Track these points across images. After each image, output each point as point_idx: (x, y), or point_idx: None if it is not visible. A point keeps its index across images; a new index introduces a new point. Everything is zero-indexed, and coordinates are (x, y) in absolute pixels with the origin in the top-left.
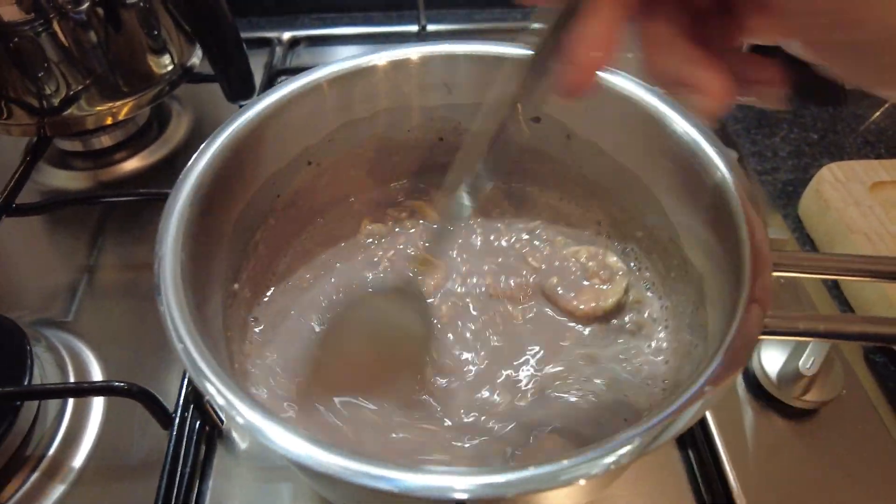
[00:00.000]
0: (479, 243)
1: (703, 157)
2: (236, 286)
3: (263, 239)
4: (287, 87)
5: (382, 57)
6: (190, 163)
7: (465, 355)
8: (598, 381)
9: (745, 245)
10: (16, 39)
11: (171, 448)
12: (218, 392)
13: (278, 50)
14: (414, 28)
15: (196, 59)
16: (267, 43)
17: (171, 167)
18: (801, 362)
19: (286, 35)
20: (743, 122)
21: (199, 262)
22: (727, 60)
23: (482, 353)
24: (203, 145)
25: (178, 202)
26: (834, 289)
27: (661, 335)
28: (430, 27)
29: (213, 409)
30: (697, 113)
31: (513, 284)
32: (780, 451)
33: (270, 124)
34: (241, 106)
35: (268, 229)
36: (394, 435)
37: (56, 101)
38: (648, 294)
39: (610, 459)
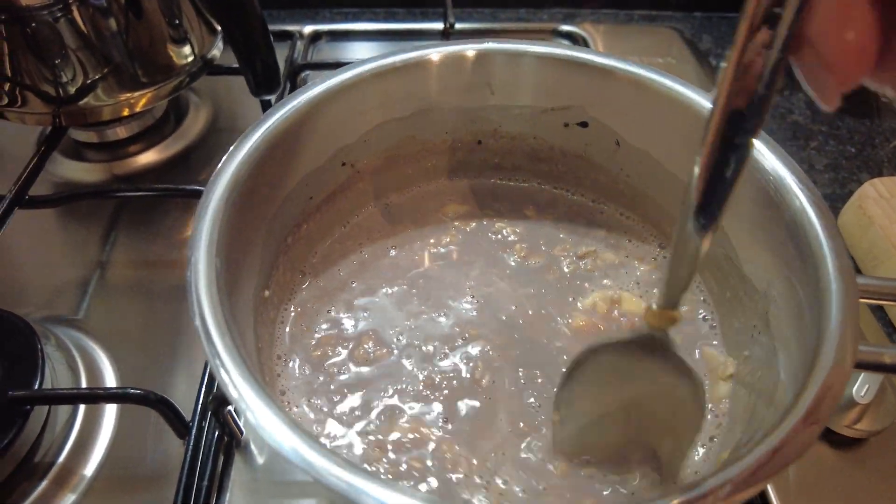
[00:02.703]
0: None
1: (773, 174)
2: (267, 293)
3: (294, 243)
4: (325, 84)
5: (427, 54)
6: (222, 161)
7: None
8: None
9: (827, 270)
10: (33, 24)
11: (188, 459)
12: (263, 423)
13: (299, 44)
14: (437, 25)
15: (217, 50)
16: (288, 36)
17: (186, 162)
18: (854, 390)
19: (307, 29)
20: (777, 134)
21: (233, 269)
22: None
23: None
24: (237, 142)
25: (211, 202)
26: (878, 311)
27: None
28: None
29: (233, 419)
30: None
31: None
32: (827, 480)
33: (307, 122)
34: (264, 101)
35: (300, 233)
36: None
37: (72, 90)
38: (700, 312)
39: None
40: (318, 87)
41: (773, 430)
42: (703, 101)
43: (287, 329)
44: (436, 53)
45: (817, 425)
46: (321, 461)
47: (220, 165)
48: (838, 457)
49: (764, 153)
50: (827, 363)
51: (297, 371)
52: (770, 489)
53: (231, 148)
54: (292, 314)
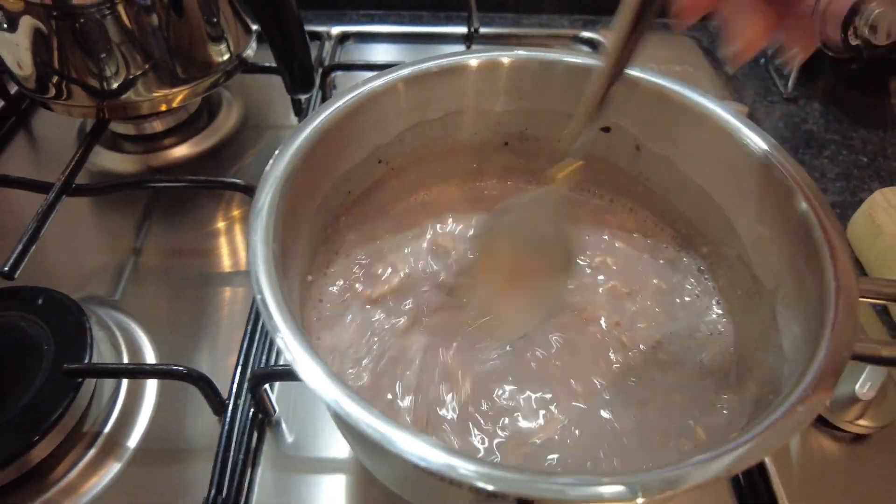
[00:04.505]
0: None
1: (784, 180)
2: (309, 278)
3: (333, 233)
4: (368, 86)
5: (463, 60)
6: (276, 154)
7: None
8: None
9: (830, 270)
10: (82, 20)
11: (225, 434)
12: (322, 390)
13: (327, 45)
14: (461, 29)
15: (251, 50)
16: (316, 37)
17: (217, 156)
18: (857, 386)
19: (335, 30)
20: (790, 142)
21: (285, 254)
22: None
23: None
24: (289, 137)
25: (268, 191)
26: (883, 313)
27: (728, 350)
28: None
29: (268, 397)
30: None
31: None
32: (831, 474)
33: (350, 121)
34: (295, 100)
35: (338, 225)
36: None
37: (115, 85)
38: (716, 309)
39: (696, 477)
40: (361, 88)
41: (775, 409)
42: (721, 112)
43: (324, 311)
44: (471, 60)
45: (820, 397)
46: (378, 422)
47: (273, 158)
48: (841, 452)
49: (776, 160)
50: (825, 348)
51: (329, 347)
52: (776, 482)
53: (283, 143)
54: (330, 295)
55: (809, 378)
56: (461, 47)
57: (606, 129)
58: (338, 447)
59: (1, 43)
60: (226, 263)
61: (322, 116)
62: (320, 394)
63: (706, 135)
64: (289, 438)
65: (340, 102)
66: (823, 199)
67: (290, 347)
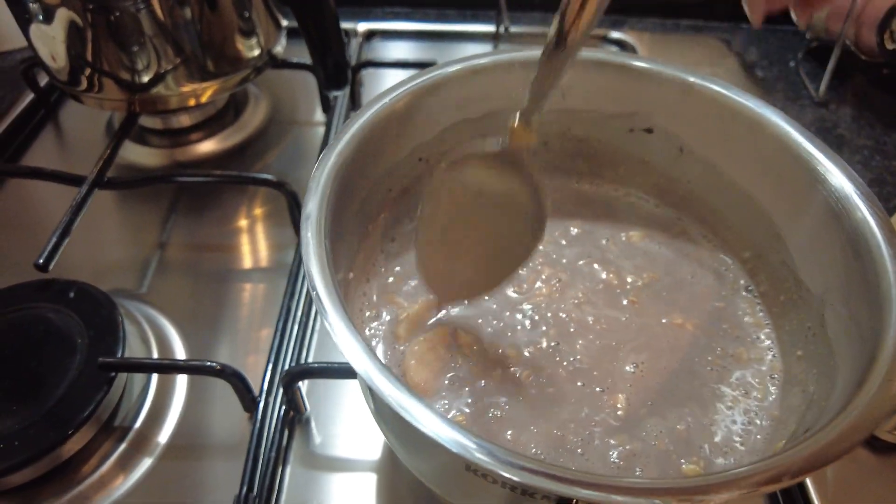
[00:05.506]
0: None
1: (835, 184)
2: (351, 275)
3: (373, 230)
4: (413, 83)
5: (508, 58)
6: (324, 153)
7: None
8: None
9: (888, 278)
10: (117, 13)
11: (257, 430)
12: (380, 386)
13: (354, 41)
14: (488, 28)
15: (280, 46)
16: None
17: (243, 152)
18: None
19: (362, 27)
20: None
21: (334, 250)
22: None
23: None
24: (336, 135)
25: (318, 187)
26: None
27: (769, 357)
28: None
29: (300, 395)
30: None
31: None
32: (866, 483)
33: (395, 119)
34: (325, 96)
35: (377, 222)
36: None
37: (146, 79)
38: (759, 314)
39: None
40: (406, 86)
41: (829, 423)
42: (770, 115)
43: (363, 309)
44: (514, 59)
45: (881, 414)
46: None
47: (321, 156)
48: (878, 461)
49: (826, 165)
50: (884, 366)
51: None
52: (811, 490)
53: (332, 139)
54: (371, 296)
55: (872, 390)
56: (488, 46)
57: (649, 131)
58: (367, 447)
59: (36, 35)
60: (248, 260)
61: (368, 114)
62: (385, 396)
63: (752, 138)
64: (318, 437)
65: (386, 100)
66: (879, 205)
67: (346, 345)
